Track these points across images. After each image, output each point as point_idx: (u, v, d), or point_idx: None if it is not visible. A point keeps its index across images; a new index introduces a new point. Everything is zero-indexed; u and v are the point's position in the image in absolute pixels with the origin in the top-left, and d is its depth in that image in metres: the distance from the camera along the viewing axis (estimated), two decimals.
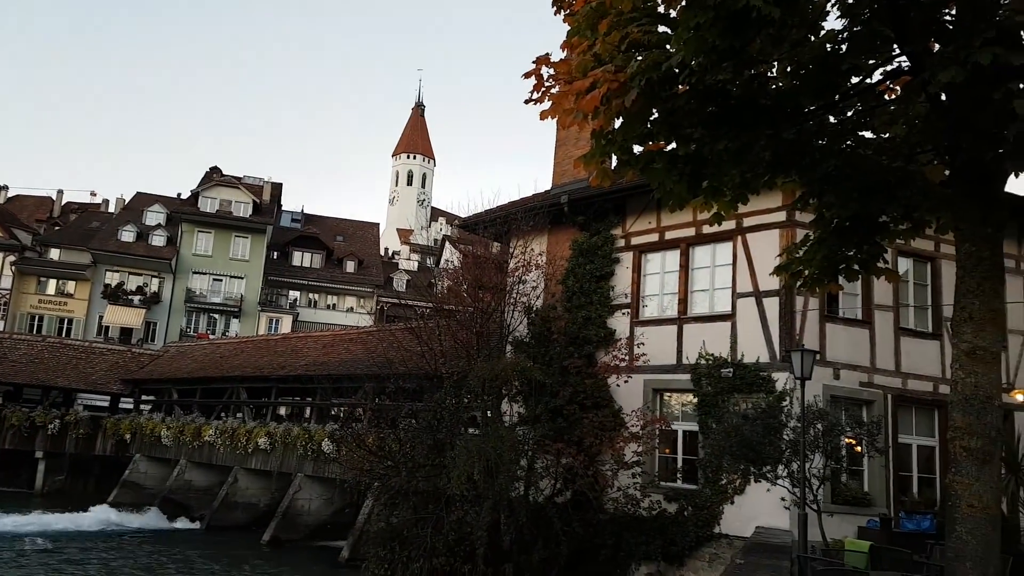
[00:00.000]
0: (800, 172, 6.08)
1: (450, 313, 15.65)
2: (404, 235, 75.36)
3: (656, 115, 5.22)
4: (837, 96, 5.70)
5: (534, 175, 73.77)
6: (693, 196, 5.72)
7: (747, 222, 12.87)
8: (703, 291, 13.75)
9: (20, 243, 43.65)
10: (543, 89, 5.06)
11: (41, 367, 30.37)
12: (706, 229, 13.31)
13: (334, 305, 49.13)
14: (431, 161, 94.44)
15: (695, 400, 13.19)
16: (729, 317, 13.07)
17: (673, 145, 5.51)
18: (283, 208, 53.60)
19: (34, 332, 40.30)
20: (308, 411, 25.80)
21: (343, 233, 54.61)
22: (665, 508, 12.89)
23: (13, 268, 42.59)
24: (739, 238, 13.09)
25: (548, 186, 17.00)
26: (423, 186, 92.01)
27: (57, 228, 48.86)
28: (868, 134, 6.30)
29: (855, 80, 5.51)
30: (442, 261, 46.15)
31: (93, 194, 55.34)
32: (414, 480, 13.40)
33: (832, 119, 6.03)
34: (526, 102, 5.10)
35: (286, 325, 45.16)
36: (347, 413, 20.77)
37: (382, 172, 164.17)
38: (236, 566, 17.60)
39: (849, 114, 6.04)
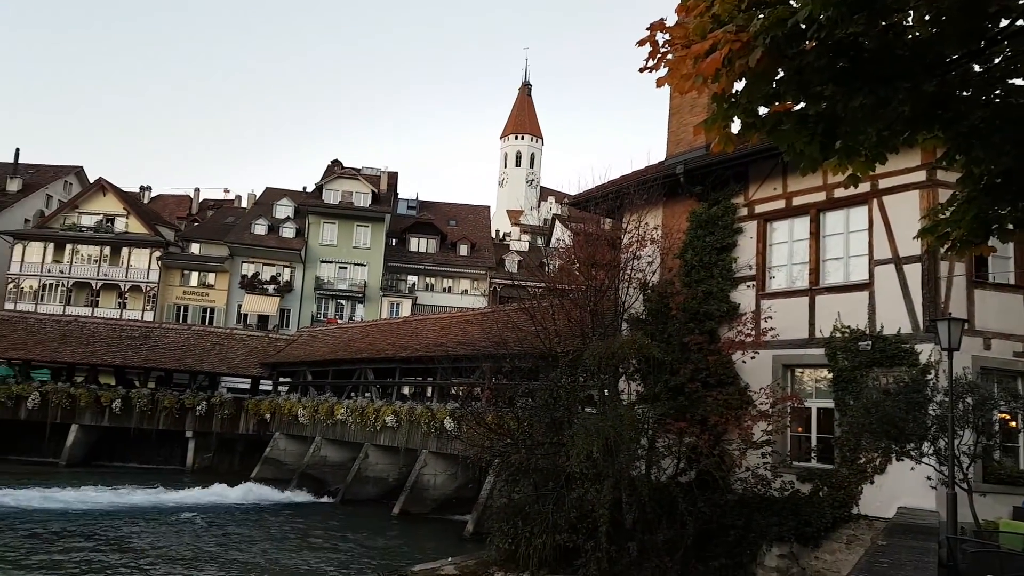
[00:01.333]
0: (944, 127, 5.55)
1: (563, 292, 15.59)
2: (514, 216, 75.91)
3: (782, 74, 4.90)
4: (983, 42, 5.15)
5: (647, 147, 72.37)
6: (825, 158, 5.35)
7: (883, 183, 11.99)
8: (836, 259, 12.93)
9: (164, 239, 47.32)
10: (659, 56, 4.84)
11: (188, 353, 32.89)
12: (838, 193, 12.51)
13: (449, 288, 50.28)
14: (539, 141, 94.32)
15: (830, 376, 12.48)
16: (866, 286, 12.26)
17: (802, 105, 5.16)
18: (399, 196, 55.25)
19: (180, 321, 43.76)
20: (430, 390, 26.63)
21: (456, 217, 55.67)
22: (798, 488, 12.36)
23: (159, 263, 46.26)
24: (875, 201, 12.22)
25: (662, 157, 16.51)
26: (531, 166, 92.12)
27: (196, 224, 52.57)
28: (1020, 81, 5.68)
29: (1004, 23, 4.96)
30: (552, 240, 46.18)
31: (226, 191, 59.17)
32: (533, 457, 13.52)
33: (978, 68, 5.47)
34: (641, 70, 4.90)
35: (406, 308, 46.70)
36: (466, 392, 21.25)
37: (491, 155, 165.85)
38: (372, 536, 18.48)
39: (997, 61, 5.46)
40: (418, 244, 51.23)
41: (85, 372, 33.32)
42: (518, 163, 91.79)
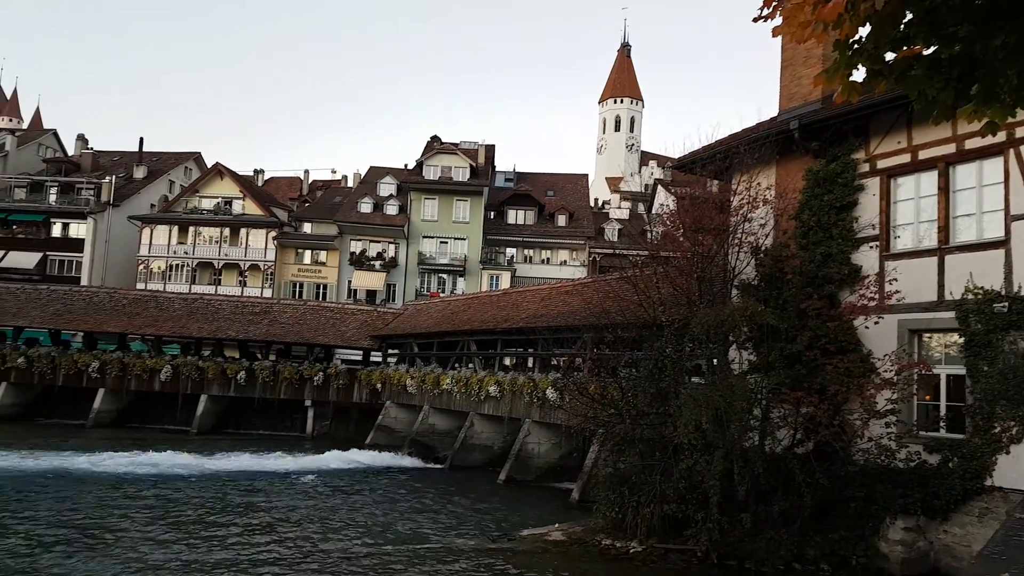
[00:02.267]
0: None
1: (667, 260, 15.23)
2: (613, 183, 74.76)
3: (911, 16, 4.50)
4: None
5: (756, 106, 69.20)
6: (960, 105, 4.90)
7: (1020, 132, 10.98)
8: (968, 216, 11.98)
9: (279, 220, 49.66)
10: (774, 4, 4.56)
11: (304, 327, 34.52)
12: (969, 144, 11.55)
13: (548, 259, 50.29)
14: (639, 103, 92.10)
15: (961, 340, 11.65)
16: (1001, 244, 11.31)
17: (934, 48, 4.73)
18: (496, 169, 55.52)
19: (296, 297, 45.98)
20: (531, 361, 26.82)
21: (553, 187, 55.41)
22: (925, 459, 11.69)
23: (275, 242, 48.63)
24: (1011, 152, 11.21)
25: (773, 114, 15.72)
26: (631, 130, 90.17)
27: (307, 204, 54.87)
28: None
29: None
30: (655, 207, 45.17)
31: (333, 172, 61.46)
32: (638, 428, 13.40)
33: None
34: (755, 20, 4.62)
35: (505, 281, 47.12)
36: (568, 363, 21.25)
37: (589, 121, 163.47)
38: (479, 501, 18.94)
39: None
40: (516, 216, 51.42)
41: (211, 346, 35.63)
42: (617, 127, 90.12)
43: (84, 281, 47.07)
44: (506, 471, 22.23)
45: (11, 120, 62.54)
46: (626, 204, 57.06)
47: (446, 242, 48.43)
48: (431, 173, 49.55)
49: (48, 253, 49.26)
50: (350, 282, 48.00)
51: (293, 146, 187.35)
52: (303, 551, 12.91)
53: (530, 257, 50.32)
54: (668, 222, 16.85)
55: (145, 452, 22.89)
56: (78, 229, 49.90)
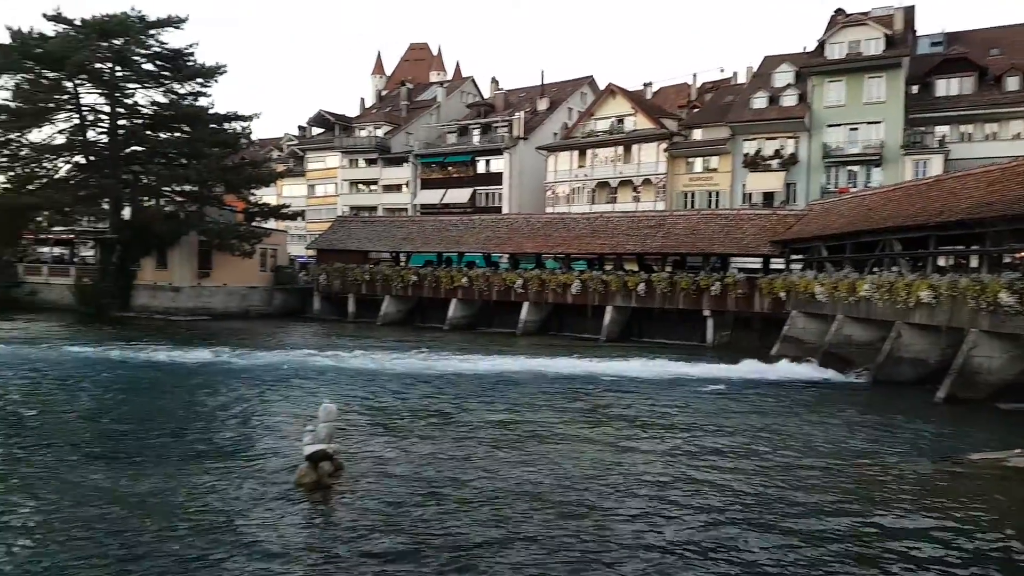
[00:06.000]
0: None
1: None
2: None
3: None
4: None
5: None
6: None
7: None
8: None
9: (668, 131, 49.22)
10: None
11: (698, 237, 33.88)
12: None
13: (994, 134, 40.88)
14: None
15: None
16: None
17: None
18: (918, 34, 46.63)
19: (688, 207, 45.44)
20: (975, 260, 22.06)
21: (998, 44, 44.41)
22: None
23: (665, 154, 48.43)
24: None
25: None
26: None
27: (696, 110, 53.30)
28: None
29: None
30: None
31: (722, 70, 58.48)
32: None
33: None
34: None
35: (935, 167, 39.75)
36: None
37: None
38: (910, 420, 16.48)
39: None
40: (947, 86, 42.66)
41: (612, 260, 37.31)
42: None
43: (505, 209, 53.25)
44: (946, 388, 18.90)
45: (439, 74, 72.70)
46: None
47: (856, 128, 42.62)
48: (835, 52, 43.66)
49: (476, 188, 56.74)
50: (744, 186, 45.60)
51: (679, 52, 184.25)
52: (749, 460, 12.60)
53: (969, 135, 41.55)
54: None
55: (562, 357, 25.12)
56: (497, 164, 56.33)
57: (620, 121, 51.29)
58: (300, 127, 75.27)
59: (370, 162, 64.13)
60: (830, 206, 31.30)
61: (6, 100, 41.42)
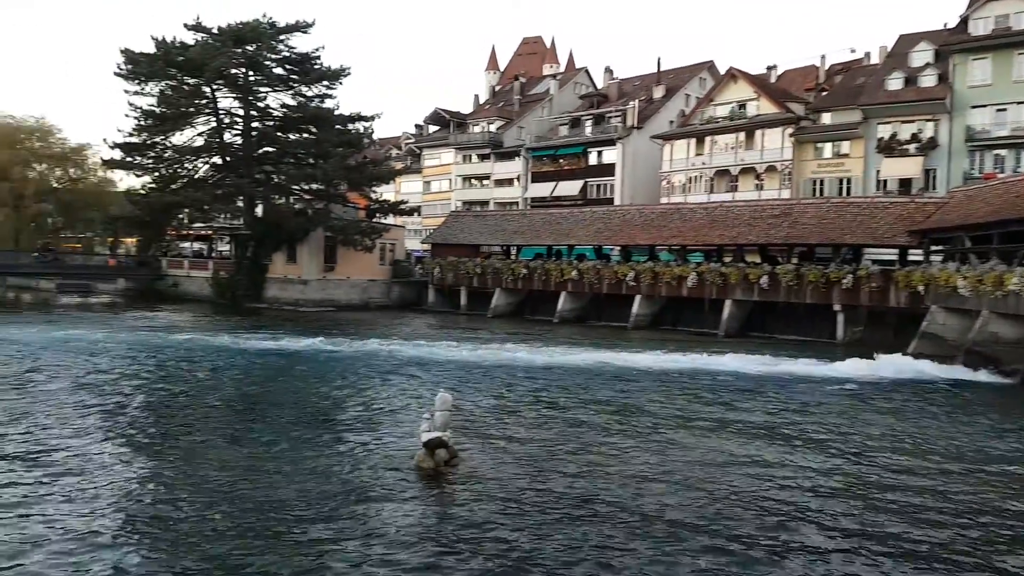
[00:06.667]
0: None
1: None
2: None
3: None
4: None
5: None
6: None
7: None
8: None
9: (794, 115, 46.86)
10: None
11: (828, 227, 32.07)
12: None
13: None
14: None
15: None
16: None
17: None
18: None
19: (816, 195, 43.07)
20: None
21: None
22: None
23: (791, 139, 46.14)
24: None
25: None
26: None
27: (824, 93, 50.47)
28: None
29: None
30: None
31: (852, 51, 54.97)
32: None
33: None
34: None
35: None
36: None
37: None
38: None
39: None
40: None
41: (732, 252, 35.96)
42: None
43: (617, 201, 52.48)
44: None
45: (552, 67, 72.50)
46: None
47: (1004, 109, 38.95)
48: (980, 27, 40.06)
49: (588, 180, 56.25)
50: (878, 172, 42.67)
51: (805, 33, 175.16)
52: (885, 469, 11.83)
53: None
54: None
55: (678, 352, 24.43)
56: (609, 155, 55.57)
57: (742, 106, 49.33)
58: (417, 125, 77.38)
59: (482, 157, 64.99)
60: (974, 193, 28.79)
61: (152, 106, 44.92)
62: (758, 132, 47.62)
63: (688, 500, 9.80)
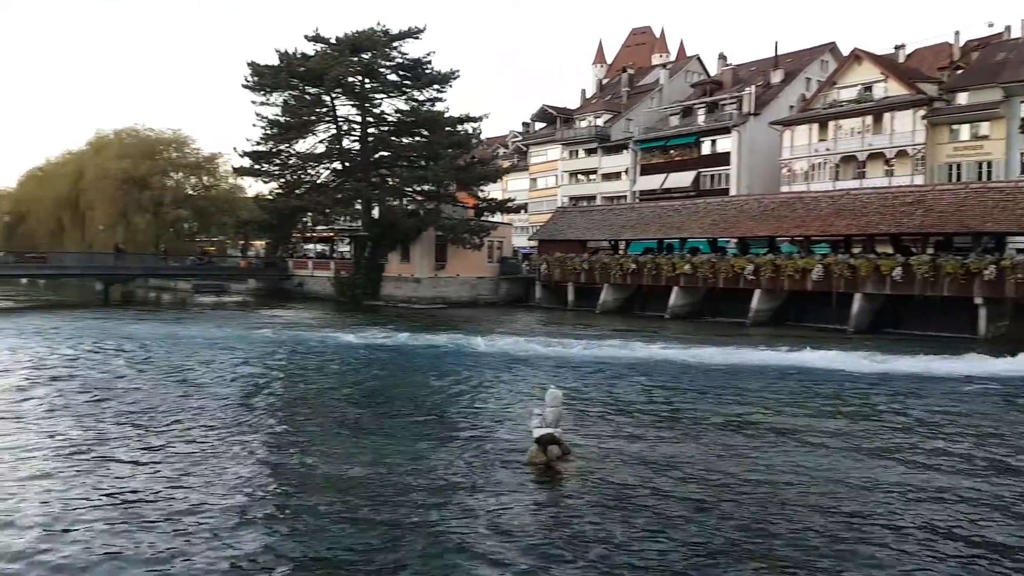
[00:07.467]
0: None
1: None
2: None
3: None
4: None
5: None
6: None
7: None
8: None
9: (927, 96, 43.62)
10: None
11: (967, 214, 29.64)
12: None
13: None
14: None
15: None
16: None
17: None
18: None
19: (953, 181, 39.91)
20: None
21: None
22: None
23: (923, 122, 42.97)
24: None
25: None
26: None
27: (960, 72, 46.72)
28: None
29: None
30: None
31: (990, 25, 50.52)
32: None
33: None
34: None
35: None
36: None
37: None
38: None
39: None
40: None
41: (861, 242, 33.87)
42: None
43: (732, 191, 50.61)
44: None
45: (662, 56, 70.84)
46: None
47: None
48: None
49: (700, 170, 54.59)
50: (1022, 155, 39.04)
51: (935, 8, 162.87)
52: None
53: None
54: None
55: (802, 350, 23.18)
56: (724, 143, 53.69)
57: (868, 88, 46.40)
58: (524, 123, 77.73)
59: (589, 152, 64.44)
60: None
61: (276, 115, 47.49)
62: (887, 115, 44.65)
63: (811, 510, 9.20)
